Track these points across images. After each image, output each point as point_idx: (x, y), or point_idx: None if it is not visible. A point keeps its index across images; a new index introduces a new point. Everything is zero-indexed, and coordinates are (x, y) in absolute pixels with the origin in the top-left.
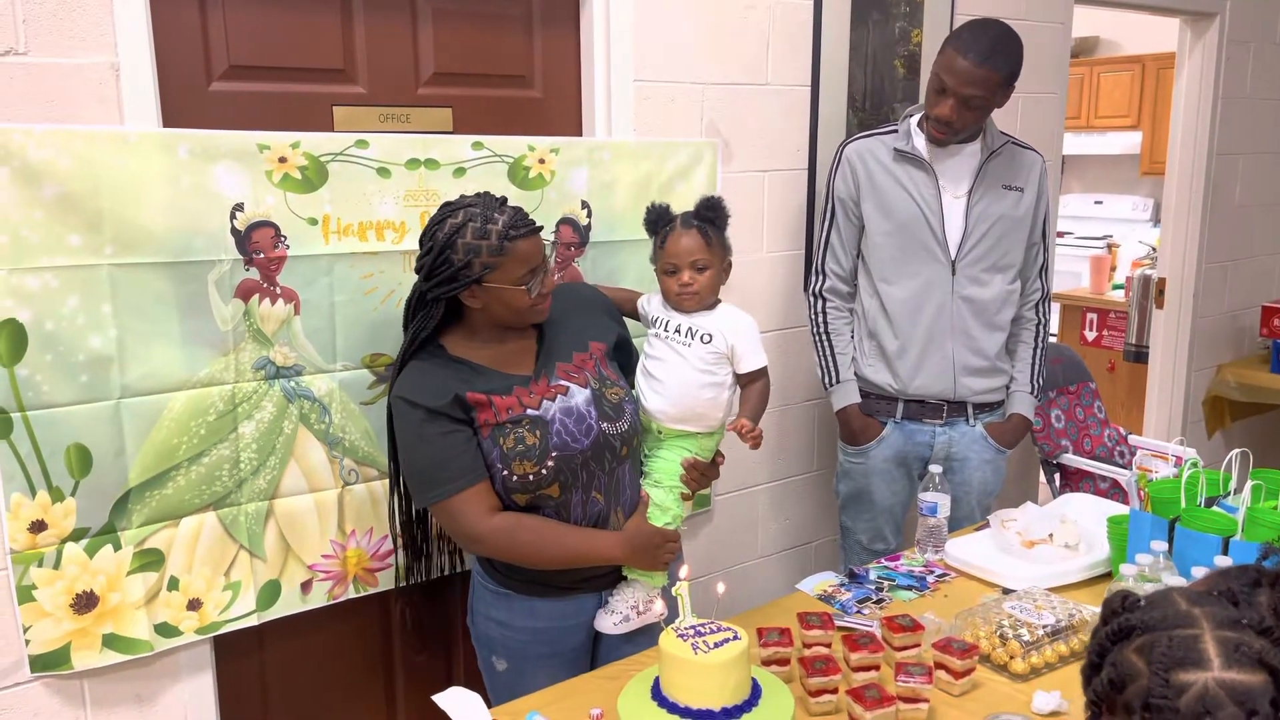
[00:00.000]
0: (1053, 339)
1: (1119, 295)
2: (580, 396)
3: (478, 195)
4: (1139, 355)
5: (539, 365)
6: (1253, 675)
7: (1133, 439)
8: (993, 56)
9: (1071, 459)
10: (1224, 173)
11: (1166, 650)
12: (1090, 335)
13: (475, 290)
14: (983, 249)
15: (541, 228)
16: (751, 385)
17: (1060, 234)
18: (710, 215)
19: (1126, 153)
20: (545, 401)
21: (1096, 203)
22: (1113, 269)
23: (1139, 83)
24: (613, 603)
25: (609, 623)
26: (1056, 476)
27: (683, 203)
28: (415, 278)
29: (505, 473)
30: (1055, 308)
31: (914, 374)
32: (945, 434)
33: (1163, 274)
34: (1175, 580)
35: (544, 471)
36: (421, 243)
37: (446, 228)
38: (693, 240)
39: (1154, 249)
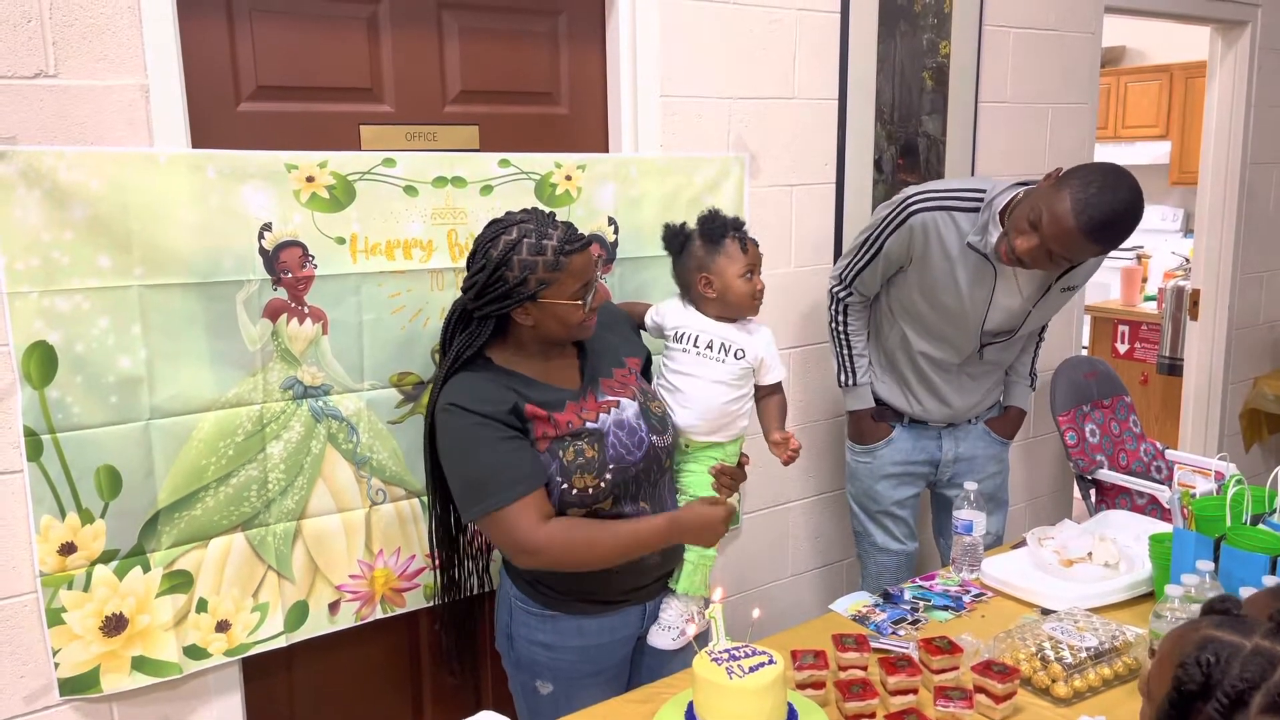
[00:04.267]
0: (1083, 352)
1: (1151, 307)
2: (630, 410)
3: (525, 212)
4: (1173, 368)
5: (585, 381)
6: None
7: (1170, 454)
8: (1107, 230)
9: (1107, 474)
10: (1258, 182)
11: None
12: (1122, 348)
13: (529, 307)
14: (1017, 333)
15: (592, 241)
16: (770, 397)
17: None
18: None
19: (1155, 162)
20: (601, 415)
21: None
22: (1144, 280)
23: (1167, 92)
24: (666, 618)
25: (666, 639)
26: (1092, 492)
27: None
28: (442, 297)
29: (565, 485)
30: (1086, 320)
31: (922, 409)
32: (950, 434)
33: (1197, 285)
34: None
35: (602, 484)
36: (471, 261)
37: (500, 245)
38: (756, 247)
39: (1187, 260)
